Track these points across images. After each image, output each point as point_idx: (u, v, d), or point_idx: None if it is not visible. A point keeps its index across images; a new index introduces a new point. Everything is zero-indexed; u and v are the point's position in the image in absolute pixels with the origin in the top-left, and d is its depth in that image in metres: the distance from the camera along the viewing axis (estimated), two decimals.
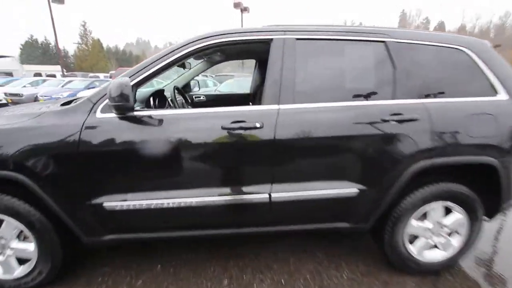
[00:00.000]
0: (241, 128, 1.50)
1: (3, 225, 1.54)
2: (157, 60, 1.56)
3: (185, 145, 1.50)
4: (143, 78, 1.55)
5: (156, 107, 2.34)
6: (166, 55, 1.56)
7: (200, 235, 1.68)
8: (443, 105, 1.60)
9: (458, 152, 1.59)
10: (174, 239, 1.77)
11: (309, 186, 1.58)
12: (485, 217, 1.76)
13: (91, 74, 22.21)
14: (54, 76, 18.78)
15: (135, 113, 1.50)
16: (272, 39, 1.61)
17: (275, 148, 1.52)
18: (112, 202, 1.51)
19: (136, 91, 1.62)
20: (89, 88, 10.75)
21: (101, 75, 20.48)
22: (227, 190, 1.56)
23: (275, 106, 1.55)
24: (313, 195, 1.58)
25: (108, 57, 53.33)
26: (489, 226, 2.25)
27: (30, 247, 1.57)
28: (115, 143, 1.46)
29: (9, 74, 22.49)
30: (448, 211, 1.72)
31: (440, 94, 1.62)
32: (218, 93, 5.33)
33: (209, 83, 10.99)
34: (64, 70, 21.66)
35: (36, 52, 49.00)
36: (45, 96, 9.79)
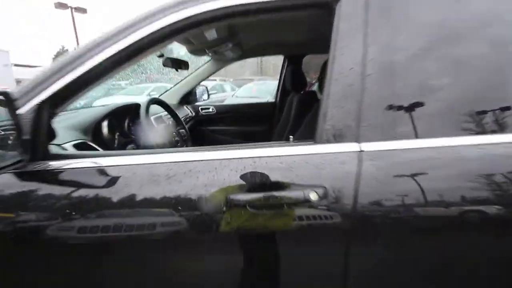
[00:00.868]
0: (271, 206, 0.68)
1: None
2: (86, 52, 0.72)
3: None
4: (58, 93, 0.72)
5: (114, 141, 1.39)
6: (109, 39, 0.73)
7: None
8: None
9: None
10: None
11: None
12: None
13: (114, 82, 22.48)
14: None
15: (38, 164, 0.70)
16: None
17: (355, 229, 0.68)
18: None
19: (51, 117, 0.78)
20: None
21: (122, 83, 20.60)
22: None
23: (352, 146, 0.69)
24: None
25: None
26: None
27: None
28: None
29: None
30: None
31: None
32: (232, 103, 4.48)
33: (226, 87, 10.29)
34: None
35: None
36: None
